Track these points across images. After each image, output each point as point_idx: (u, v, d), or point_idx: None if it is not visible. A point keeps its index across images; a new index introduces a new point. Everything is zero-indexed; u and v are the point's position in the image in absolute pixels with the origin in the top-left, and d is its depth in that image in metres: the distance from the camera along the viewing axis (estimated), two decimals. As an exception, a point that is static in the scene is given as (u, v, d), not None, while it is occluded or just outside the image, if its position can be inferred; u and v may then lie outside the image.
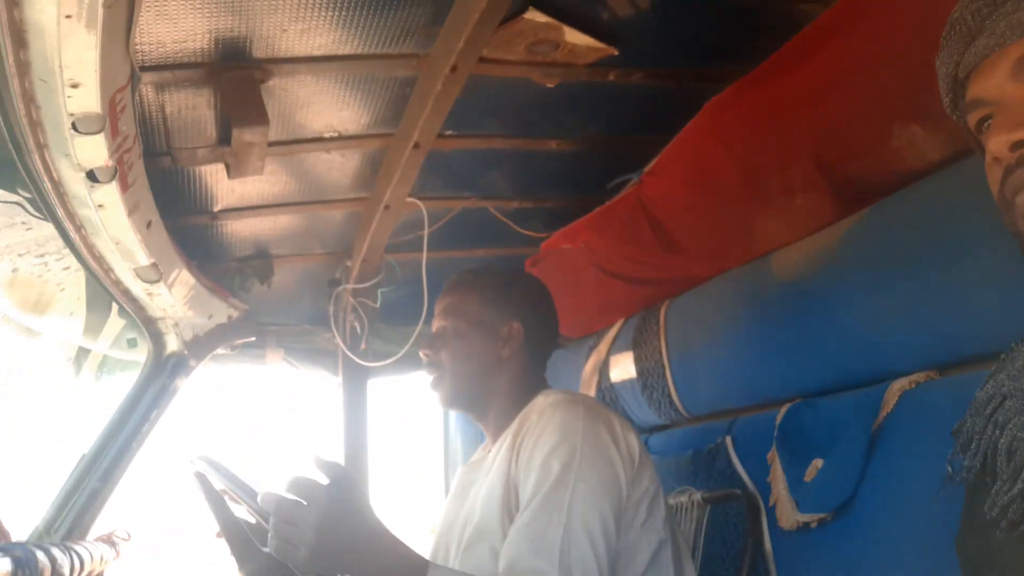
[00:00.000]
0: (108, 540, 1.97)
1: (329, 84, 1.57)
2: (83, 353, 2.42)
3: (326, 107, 1.65)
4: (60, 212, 1.32)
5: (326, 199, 2.08)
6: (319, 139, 1.76)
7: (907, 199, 1.32)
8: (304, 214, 2.14)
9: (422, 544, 1.31)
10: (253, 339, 2.42)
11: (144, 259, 1.58)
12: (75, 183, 1.21)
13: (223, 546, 1.28)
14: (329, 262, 2.42)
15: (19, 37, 0.87)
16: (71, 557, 1.66)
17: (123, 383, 2.38)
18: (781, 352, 1.58)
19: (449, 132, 1.79)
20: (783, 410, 1.56)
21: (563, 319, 1.61)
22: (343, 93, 1.61)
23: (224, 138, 1.59)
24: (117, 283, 1.73)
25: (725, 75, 1.56)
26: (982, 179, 1.16)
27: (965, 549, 0.78)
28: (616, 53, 1.54)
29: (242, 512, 1.28)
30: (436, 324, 1.51)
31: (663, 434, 2.06)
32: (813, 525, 1.39)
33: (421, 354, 1.50)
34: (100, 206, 1.30)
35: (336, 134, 1.75)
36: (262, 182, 1.86)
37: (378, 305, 2.41)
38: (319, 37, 1.41)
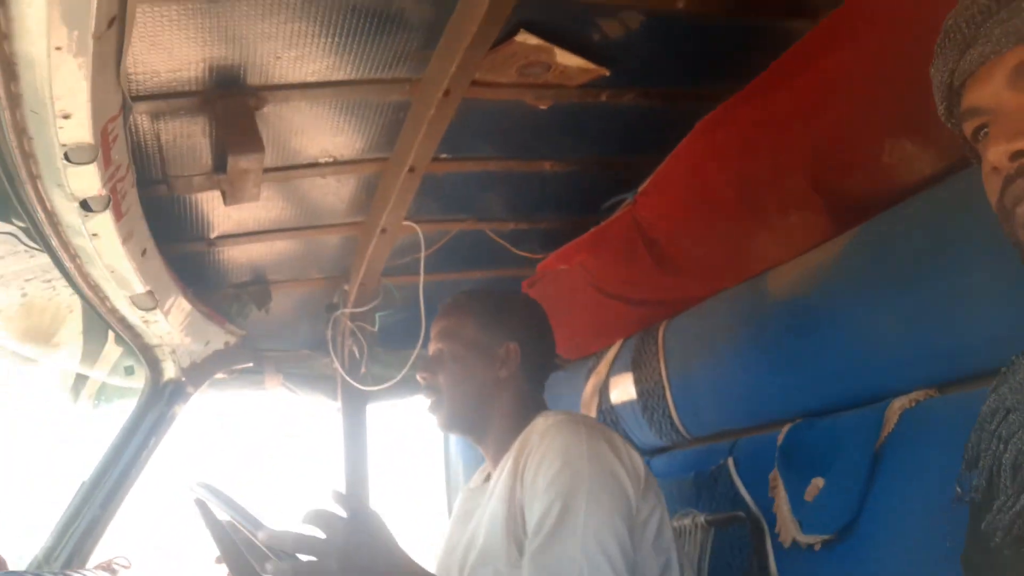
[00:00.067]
0: (108, 568, 1.96)
1: (323, 110, 1.58)
2: (81, 380, 2.41)
3: (321, 133, 1.66)
4: (54, 242, 1.32)
5: (322, 224, 2.09)
6: (314, 164, 1.76)
7: (901, 215, 1.31)
8: (301, 239, 2.14)
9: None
10: (251, 365, 2.41)
11: (140, 287, 1.58)
12: (69, 213, 1.22)
13: (223, 572, 1.27)
14: (326, 287, 2.42)
15: (10, 70, 0.88)
16: (71, 586, 1.64)
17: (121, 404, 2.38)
18: (781, 371, 1.57)
19: (444, 155, 1.79)
20: (784, 430, 1.55)
21: (561, 340, 1.61)
22: (337, 119, 1.61)
23: (220, 165, 1.59)
24: (113, 311, 1.73)
25: (717, 93, 1.56)
26: (976, 193, 1.15)
27: (971, 565, 0.77)
28: (608, 74, 1.55)
29: (242, 538, 1.27)
30: (432, 347, 1.50)
31: (664, 456, 2.04)
32: (817, 547, 1.38)
33: (418, 377, 1.49)
34: (94, 235, 1.31)
35: (331, 159, 1.76)
36: (258, 208, 1.87)
37: (376, 329, 2.41)
38: (313, 64, 1.42)
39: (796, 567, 1.44)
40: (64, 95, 0.93)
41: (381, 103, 1.58)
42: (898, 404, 1.30)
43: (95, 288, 1.58)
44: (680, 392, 1.89)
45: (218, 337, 2.20)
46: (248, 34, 1.29)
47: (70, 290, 1.92)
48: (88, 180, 1.13)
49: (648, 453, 2.10)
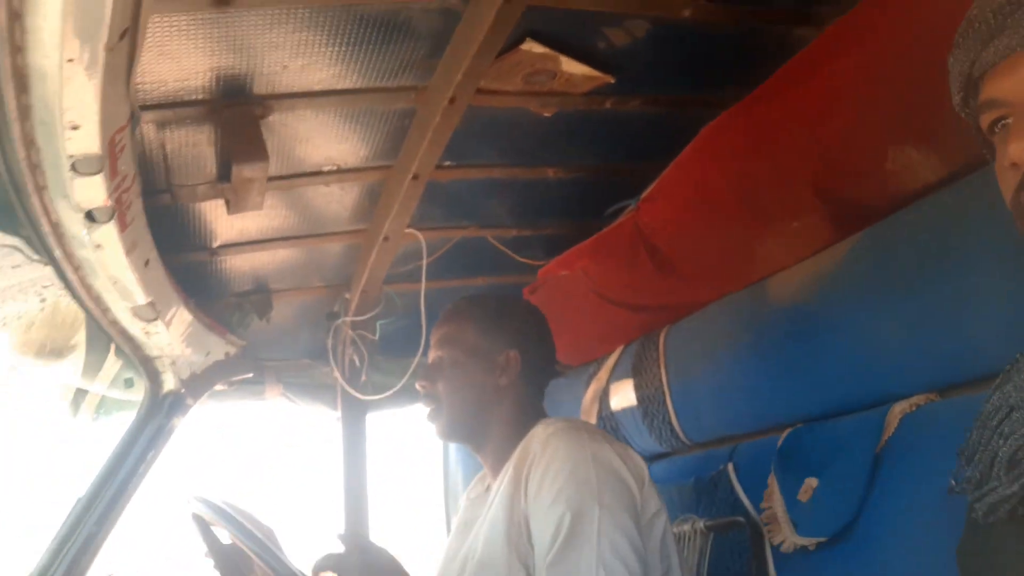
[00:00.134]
0: (107, 584, 1.94)
1: (328, 118, 1.58)
2: (81, 393, 2.39)
3: (325, 141, 1.65)
4: (57, 253, 1.31)
5: (325, 232, 2.08)
6: (318, 173, 1.76)
7: (904, 221, 1.33)
8: (303, 247, 2.14)
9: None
10: (251, 375, 2.39)
11: (141, 298, 1.57)
12: (73, 224, 1.21)
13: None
14: (328, 295, 2.41)
15: (22, 82, 0.87)
16: (68, 603, 1.62)
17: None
18: (781, 377, 1.58)
19: (448, 163, 1.79)
20: (784, 435, 1.56)
21: (562, 347, 1.60)
22: (342, 127, 1.61)
23: (224, 174, 1.59)
24: (114, 323, 1.72)
25: (721, 101, 1.58)
26: (978, 199, 1.17)
27: (965, 556, 0.77)
28: (612, 81, 1.56)
29: (238, 549, 1.26)
30: (432, 354, 1.49)
31: (664, 462, 2.04)
32: (811, 548, 1.39)
33: (418, 386, 1.48)
34: (98, 246, 1.30)
35: (335, 167, 1.76)
36: (261, 217, 1.86)
37: (377, 337, 2.40)
38: (319, 72, 1.42)
39: (796, 572, 1.44)
40: (74, 106, 0.92)
41: (386, 111, 1.58)
42: (899, 408, 1.31)
43: (97, 299, 1.57)
44: (680, 398, 1.90)
45: (218, 347, 2.19)
46: (256, 44, 1.29)
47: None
48: (94, 191, 1.12)
49: (648, 459, 2.08)
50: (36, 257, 1.46)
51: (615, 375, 2.15)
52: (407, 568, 1.14)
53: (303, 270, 2.27)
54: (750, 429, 1.74)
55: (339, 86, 1.46)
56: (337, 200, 1.91)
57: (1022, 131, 0.70)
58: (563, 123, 1.69)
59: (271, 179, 1.61)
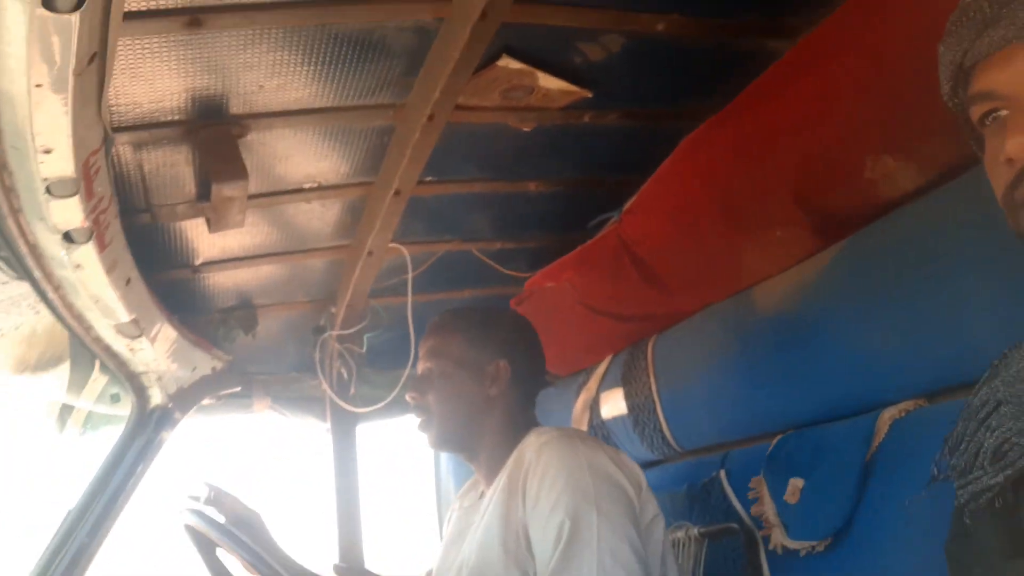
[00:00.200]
0: (96, 598, 1.93)
1: (307, 136, 1.58)
2: (67, 409, 2.38)
3: (305, 159, 1.66)
4: (37, 273, 1.31)
5: (308, 248, 2.08)
6: (299, 190, 1.76)
7: (884, 229, 1.33)
8: (286, 264, 2.14)
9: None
10: (239, 389, 2.39)
11: (124, 315, 1.57)
12: (52, 245, 1.21)
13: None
14: (313, 309, 2.41)
15: (-10, 107, 0.87)
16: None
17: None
18: (770, 384, 1.58)
19: (429, 178, 1.79)
20: (775, 441, 1.56)
21: (550, 357, 1.60)
22: (322, 144, 1.62)
23: (204, 193, 1.59)
24: (97, 340, 1.71)
25: (698, 112, 1.58)
26: (959, 206, 1.18)
27: (952, 549, 0.77)
28: (590, 95, 1.56)
29: (232, 561, 1.26)
30: (421, 366, 1.49)
31: (656, 469, 2.04)
32: (802, 553, 1.39)
33: (408, 397, 1.48)
34: (78, 266, 1.29)
35: (316, 184, 1.76)
36: (243, 234, 1.86)
37: (364, 350, 2.40)
38: (295, 92, 1.42)
39: (790, 577, 1.44)
40: (45, 131, 0.93)
41: (365, 128, 1.58)
42: (888, 414, 1.31)
43: (79, 318, 1.56)
44: (670, 406, 1.90)
45: (205, 363, 2.18)
46: (230, 64, 1.29)
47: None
48: (70, 213, 1.12)
49: (640, 467, 2.10)
50: (15, 275, 1.46)
51: (605, 384, 2.15)
52: None
53: (287, 286, 2.26)
54: (741, 436, 1.74)
55: (316, 105, 1.46)
56: (319, 217, 1.91)
57: (1019, 126, 0.67)
58: (542, 137, 1.70)
59: (252, 197, 1.61)
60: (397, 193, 1.70)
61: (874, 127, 1.25)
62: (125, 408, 2.20)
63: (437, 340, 1.48)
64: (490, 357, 1.44)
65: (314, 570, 1.50)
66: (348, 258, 2.10)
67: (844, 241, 1.42)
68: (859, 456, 1.32)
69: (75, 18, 0.76)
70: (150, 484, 2.14)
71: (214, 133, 1.42)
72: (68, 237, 1.19)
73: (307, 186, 1.75)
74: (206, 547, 1.25)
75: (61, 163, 1.00)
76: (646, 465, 2.09)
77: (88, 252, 1.26)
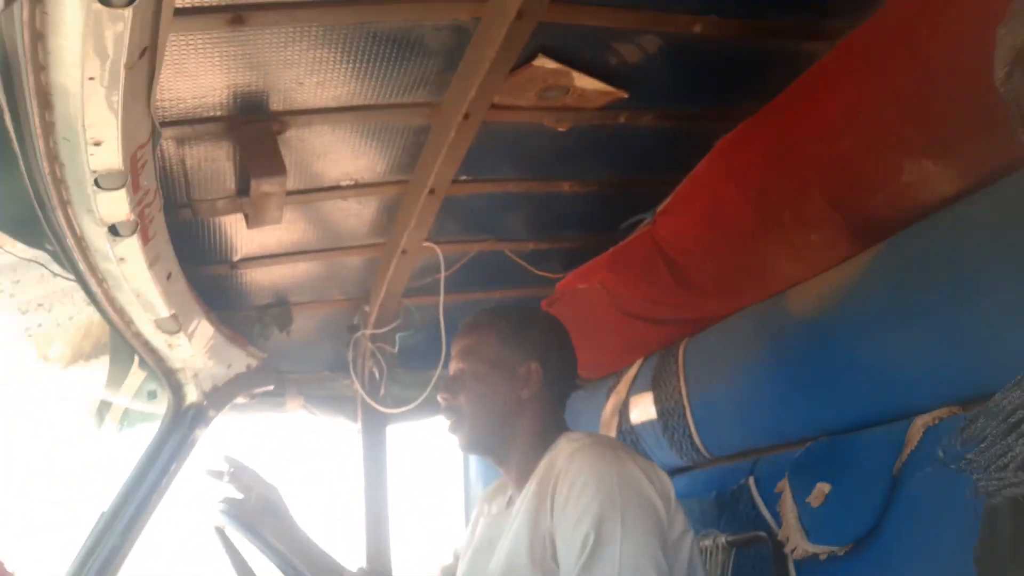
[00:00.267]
0: (130, 597, 1.95)
1: (345, 134, 1.60)
2: (105, 405, 2.43)
3: (342, 156, 1.68)
4: (82, 266, 1.34)
5: (344, 246, 2.10)
6: (336, 187, 1.79)
7: (922, 233, 1.32)
8: (322, 261, 2.16)
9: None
10: (272, 387, 2.41)
11: (164, 311, 1.60)
12: (97, 238, 1.24)
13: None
14: (347, 308, 2.43)
15: (45, 99, 0.90)
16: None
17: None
18: (801, 390, 1.56)
19: (464, 177, 1.81)
20: (805, 447, 1.54)
21: (581, 359, 1.59)
22: (359, 142, 1.64)
23: (243, 189, 1.62)
24: (138, 335, 1.75)
25: (734, 114, 1.58)
26: (997, 211, 1.16)
27: (981, 559, 0.76)
28: (626, 96, 1.57)
29: (263, 564, 1.27)
30: (453, 366, 1.48)
31: (685, 476, 2.02)
32: (823, 557, 1.38)
33: (439, 398, 1.47)
34: (121, 259, 1.32)
35: (353, 182, 1.78)
36: (280, 230, 1.89)
37: (396, 350, 2.41)
38: (334, 89, 1.44)
39: (816, 586, 1.42)
40: (96, 123, 0.95)
41: (402, 127, 1.60)
42: (921, 421, 1.30)
43: (121, 312, 1.60)
44: (700, 411, 1.88)
45: (240, 360, 2.21)
46: (271, 61, 1.32)
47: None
48: (117, 205, 1.14)
49: (668, 473, 2.08)
50: (59, 272, 1.49)
51: (634, 388, 2.14)
52: None
53: (323, 283, 2.29)
54: (771, 442, 1.72)
55: (354, 102, 1.48)
56: (355, 214, 1.93)
57: None
58: (578, 137, 1.70)
59: (289, 193, 1.64)
60: (432, 192, 1.71)
61: (912, 130, 1.24)
62: (160, 406, 2.23)
63: (471, 340, 1.46)
64: (522, 359, 1.42)
65: (338, 560, 1.50)
66: (383, 256, 2.12)
67: (880, 245, 1.40)
68: (889, 462, 1.31)
69: (128, 12, 0.78)
70: (179, 484, 2.16)
71: (254, 129, 1.45)
72: (114, 230, 1.22)
73: (344, 183, 1.78)
74: (235, 549, 1.26)
75: (110, 156, 1.02)
76: (674, 471, 2.07)
77: (132, 245, 1.28)
